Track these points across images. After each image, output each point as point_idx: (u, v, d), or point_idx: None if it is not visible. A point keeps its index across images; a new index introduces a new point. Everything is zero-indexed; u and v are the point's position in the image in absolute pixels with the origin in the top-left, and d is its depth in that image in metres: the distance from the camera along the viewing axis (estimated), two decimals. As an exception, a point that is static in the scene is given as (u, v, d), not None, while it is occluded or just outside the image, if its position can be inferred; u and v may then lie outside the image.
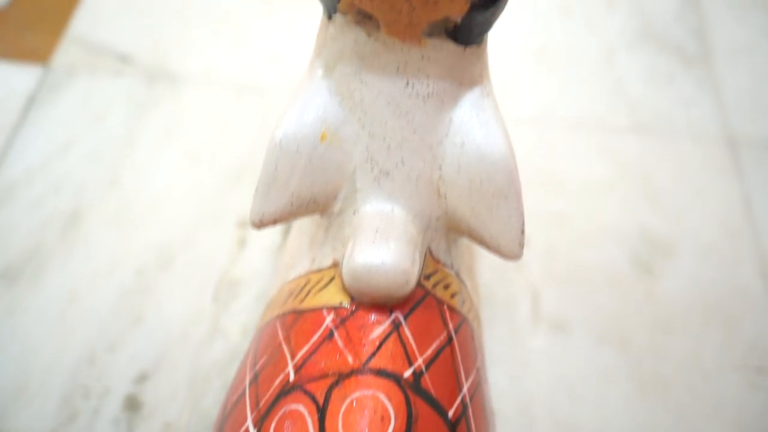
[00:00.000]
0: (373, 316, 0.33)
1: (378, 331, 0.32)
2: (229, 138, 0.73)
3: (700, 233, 0.71)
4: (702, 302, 0.66)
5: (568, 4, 0.89)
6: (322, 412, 0.30)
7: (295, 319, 0.35)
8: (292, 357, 0.33)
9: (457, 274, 0.39)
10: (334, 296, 0.35)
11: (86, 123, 0.73)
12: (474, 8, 0.31)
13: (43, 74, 0.77)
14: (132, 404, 0.57)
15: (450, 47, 0.33)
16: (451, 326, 0.35)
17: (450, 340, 0.34)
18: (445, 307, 0.36)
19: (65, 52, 0.79)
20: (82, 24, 0.81)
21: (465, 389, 0.34)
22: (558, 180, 0.74)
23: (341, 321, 0.33)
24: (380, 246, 0.33)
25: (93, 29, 0.81)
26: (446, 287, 0.37)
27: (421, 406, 0.31)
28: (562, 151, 0.76)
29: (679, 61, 0.84)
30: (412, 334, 0.33)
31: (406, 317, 0.33)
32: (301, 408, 0.30)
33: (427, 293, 0.36)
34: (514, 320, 0.63)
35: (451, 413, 0.32)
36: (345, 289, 0.35)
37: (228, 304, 0.62)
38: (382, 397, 0.30)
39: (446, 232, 0.37)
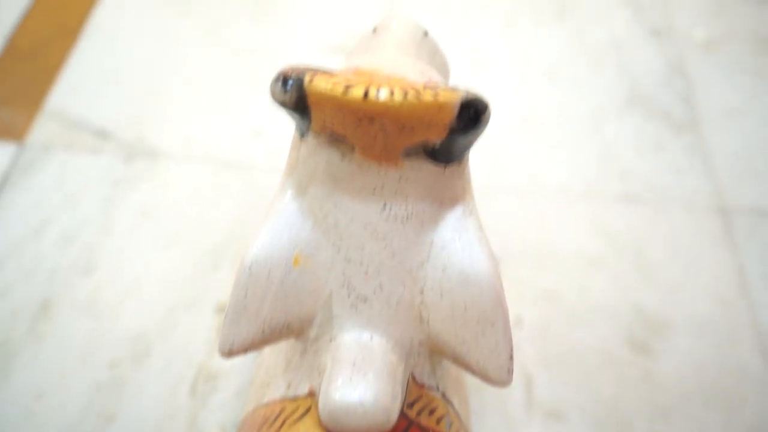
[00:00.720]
0: (353, 455, 0.30)
1: (359, 472, 0.30)
2: (209, 216, 0.71)
3: (696, 308, 0.68)
4: (701, 383, 0.64)
5: (554, 67, 0.89)
6: None
7: (268, 456, 0.32)
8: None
9: (443, 395, 0.36)
10: (309, 430, 0.32)
11: (60, 204, 0.71)
12: (454, 132, 0.29)
13: (17, 152, 0.75)
14: None
15: (429, 167, 0.31)
16: (438, 457, 0.32)
17: (437, 472, 0.32)
18: (431, 436, 0.33)
19: (41, 129, 0.77)
20: (59, 99, 0.80)
21: None
22: (548, 253, 0.72)
23: (318, 460, 0.30)
24: (358, 382, 0.30)
25: (71, 104, 0.79)
26: (431, 412, 0.34)
27: None
28: (552, 222, 0.74)
29: (667, 127, 0.83)
30: (397, 472, 0.30)
31: (389, 452, 0.30)
32: None
33: (410, 423, 0.33)
34: (507, 409, 0.61)
35: None
36: (321, 424, 0.32)
37: (206, 399, 0.59)
38: None
39: (430, 355, 0.34)
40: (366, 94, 0.27)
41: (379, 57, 0.35)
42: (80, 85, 0.81)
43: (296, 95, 0.29)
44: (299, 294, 0.33)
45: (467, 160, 0.33)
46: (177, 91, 0.82)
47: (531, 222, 0.74)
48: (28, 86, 0.81)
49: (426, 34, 0.41)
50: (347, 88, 0.27)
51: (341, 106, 0.27)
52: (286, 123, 0.80)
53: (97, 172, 0.74)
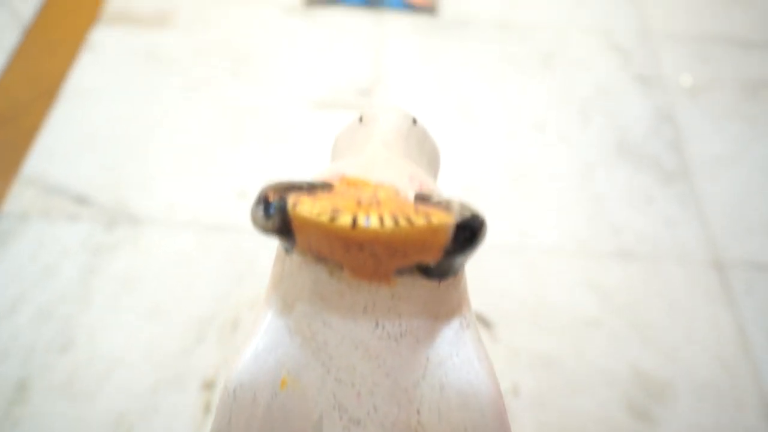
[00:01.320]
0: None
1: None
2: (193, 286, 0.69)
3: (697, 371, 0.67)
4: (706, 451, 0.62)
5: (543, 119, 0.88)
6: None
7: None
8: None
9: None
10: None
11: (37, 276, 0.68)
12: (449, 254, 0.27)
13: (-8, 221, 0.72)
14: None
15: (423, 283, 0.29)
16: None
17: None
18: None
19: (18, 196, 0.74)
20: (36, 164, 0.77)
21: None
22: (543, 314, 0.70)
23: None
24: None
25: (48, 169, 0.77)
26: None
27: None
28: (546, 280, 0.72)
29: (658, 177, 0.82)
30: None
31: None
32: None
33: None
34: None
35: None
36: None
37: (191, 487, 0.56)
38: None
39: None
40: (354, 222, 0.25)
41: (365, 159, 0.33)
42: (58, 149, 0.79)
43: (279, 221, 0.27)
44: (287, 418, 0.30)
45: (463, 270, 0.32)
46: (158, 152, 0.80)
47: (524, 280, 0.72)
48: (4, 151, 0.78)
49: (414, 121, 0.40)
50: (334, 214, 0.25)
51: (328, 233, 0.25)
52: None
53: (75, 240, 0.71)
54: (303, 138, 0.82)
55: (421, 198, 0.29)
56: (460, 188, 0.79)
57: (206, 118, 0.83)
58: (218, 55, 0.91)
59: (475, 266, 0.75)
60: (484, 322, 0.68)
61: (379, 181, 0.30)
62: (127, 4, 0.96)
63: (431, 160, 0.42)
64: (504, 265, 0.73)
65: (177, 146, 0.81)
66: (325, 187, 0.31)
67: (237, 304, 0.67)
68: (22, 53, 0.89)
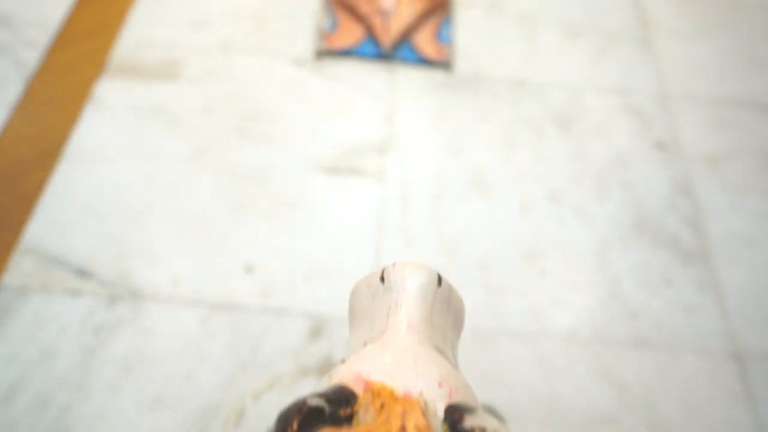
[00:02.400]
0: None
1: None
2: (198, 372, 0.67)
3: (715, 476, 0.65)
4: None
5: (558, 189, 0.85)
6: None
7: None
8: None
9: None
10: None
11: (36, 359, 0.66)
12: None
13: (-10, 296, 0.70)
14: None
15: None
16: None
17: None
18: None
19: (17, 267, 0.72)
20: (36, 232, 0.75)
21: None
22: (557, 410, 0.68)
23: None
24: None
25: (49, 238, 0.75)
26: None
27: None
28: (560, 372, 0.70)
29: (675, 256, 0.80)
30: None
31: None
32: None
33: None
34: None
35: None
36: None
37: None
38: None
39: None
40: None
41: (390, 358, 0.31)
42: (59, 216, 0.77)
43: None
44: None
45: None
46: (162, 220, 0.78)
47: (538, 372, 0.70)
48: (3, 217, 0.76)
49: (439, 281, 0.37)
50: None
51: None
52: (280, 257, 0.76)
53: (76, 318, 0.69)
54: (312, 207, 0.80)
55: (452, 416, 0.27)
56: (473, 265, 0.77)
57: (213, 184, 0.81)
58: (226, 111, 0.88)
59: (489, 356, 0.73)
60: (495, 417, 0.66)
61: (406, 391, 0.28)
62: (134, 54, 0.93)
63: (456, 317, 0.40)
64: (517, 354, 0.71)
65: (182, 214, 0.78)
66: (349, 402, 0.28)
67: (242, 393, 0.65)
68: (24, 107, 0.86)
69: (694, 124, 0.94)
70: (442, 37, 0.99)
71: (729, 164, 0.90)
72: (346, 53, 0.96)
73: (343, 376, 0.31)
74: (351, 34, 0.97)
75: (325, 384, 0.31)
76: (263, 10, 1.02)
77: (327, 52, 0.95)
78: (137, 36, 0.96)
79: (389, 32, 0.96)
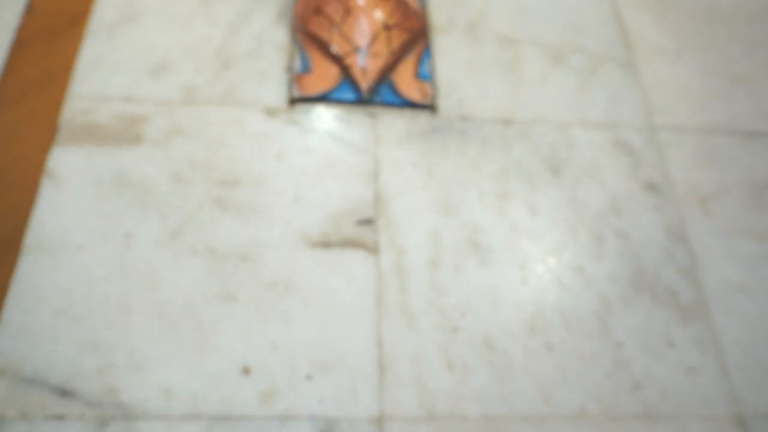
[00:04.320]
0: None
1: None
2: (204, 499, 0.63)
3: None
4: None
5: (556, 245, 0.82)
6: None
7: None
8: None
9: None
10: None
11: (27, 506, 0.61)
12: None
13: (-36, 431, 0.64)
14: None
15: None
16: None
17: None
18: None
19: (-11, 392, 0.66)
20: (5, 349, 0.68)
21: None
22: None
23: None
24: None
25: (20, 355, 0.68)
26: None
27: None
28: (572, 453, 0.70)
29: (675, 315, 0.79)
30: None
31: None
32: None
33: None
34: None
35: None
36: None
37: None
38: None
39: None
40: None
41: None
42: (28, 324, 0.70)
43: None
44: None
45: None
46: (145, 320, 0.71)
47: (550, 454, 0.69)
48: (-33, 333, 0.68)
49: None
50: None
51: None
52: (277, 352, 0.72)
53: (63, 447, 0.64)
54: (305, 288, 0.75)
55: None
56: (477, 343, 0.75)
57: (194, 269, 0.75)
58: (199, 178, 0.81)
59: (502, 448, 0.72)
60: None
61: None
62: (88, 112, 0.84)
63: None
64: (529, 438, 0.70)
65: (164, 309, 0.72)
66: None
67: None
68: (-31, 188, 0.77)
69: (682, 159, 0.92)
70: (422, 74, 0.92)
71: (719, 202, 0.89)
72: (321, 98, 0.89)
73: None
74: (326, 76, 0.89)
75: None
76: (226, 47, 0.92)
77: (301, 99, 0.88)
78: (89, 88, 0.86)
79: (367, 73, 0.89)
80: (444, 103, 0.92)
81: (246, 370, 0.70)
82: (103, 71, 0.88)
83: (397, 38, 0.92)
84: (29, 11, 0.92)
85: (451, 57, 0.97)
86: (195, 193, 0.80)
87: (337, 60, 0.90)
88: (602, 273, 0.82)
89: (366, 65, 0.89)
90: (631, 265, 0.83)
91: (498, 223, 0.83)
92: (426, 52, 0.95)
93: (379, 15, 0.91)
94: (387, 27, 0.91)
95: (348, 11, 0.91)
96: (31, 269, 0.73)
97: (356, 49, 0.90)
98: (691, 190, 0.90)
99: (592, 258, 0.82)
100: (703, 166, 0.92)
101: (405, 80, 0.91)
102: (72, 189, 0.78)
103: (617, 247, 0.84)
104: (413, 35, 0.94)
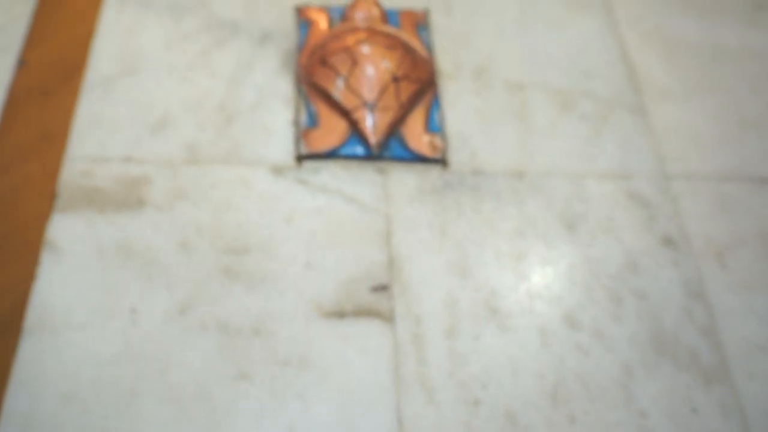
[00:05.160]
0: None
1: None
2: None
3: None
4: None
5: (573, 309, 0.80)
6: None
7: None
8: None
9: None
10: None
11: None
12: None
13: None
14: None
15: None
16: None
17: None
18: None
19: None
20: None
21: None
22: None
23: None
24: None
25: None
26: None
27: None
28: None
29: (697, 379, 0.78)
30: None
31: None
32: None
33: None
34: None
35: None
36: None
37: None
38: None
39: None
40: None
41: None
42: (34, 413, 0.66)
43: None
44: None
45: None
46: (156, 407, 0.68)
47: None
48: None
49: None
50: None
51: None
52: None
53: None
54: (321, 364, 0.73)
55: None
56: (500, 417, 0.72)
57: (205, 347, 0.72)
58: (207, 244, 0.78)
59: None
60: None
61: None
62: (87, 175, 0.80)
63: None
64: None
65: (175, 393, 0.69)
66: None
67: None
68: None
69: (696, 210, 0.91)
70: (432, 126, 0.90)
71: (735, 255, 0.88)
72: (330, 155, 0.86)
73: None
74: (334, 130, 0.87)
75: None
76: (229, 100, 0.89)
77: (309, 156, 0.85)
78: (87, 149, 0.82)
79: (376, 127, 0.86)
80: (455, 156, 0.90)
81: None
82: (102, 130, 0.84)
83: (406, 90, 0.89)
84: (21, 65, 0.88)
85: (459, 105, 0.94)
86: (203, 262, 0.77)
87: (345, 114, 0.87)
88: (622, 336, 0.80)
89: (375, 119, 0.86)
90: (650, 327, 0.81)
91: (515, 285, 0.81)
92: (434, 102, 0.92)
93: (387, 66, 0.88)
94: (396, 79, 0.88)
95: (355, 63, 0.88)
96: (33, 352, 0.69)
97: (364, 103, 0.87)
98: (707, 242, 0.88)
99: (611, 320, 0.81)
100: (718, 217, 0.91)
101: (415, 133, 0.88)
102: (74, 261, 0.75)
103: (636, 308, 0.82)
104: (422, 85, 0.91)
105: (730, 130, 1.00)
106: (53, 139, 0.82)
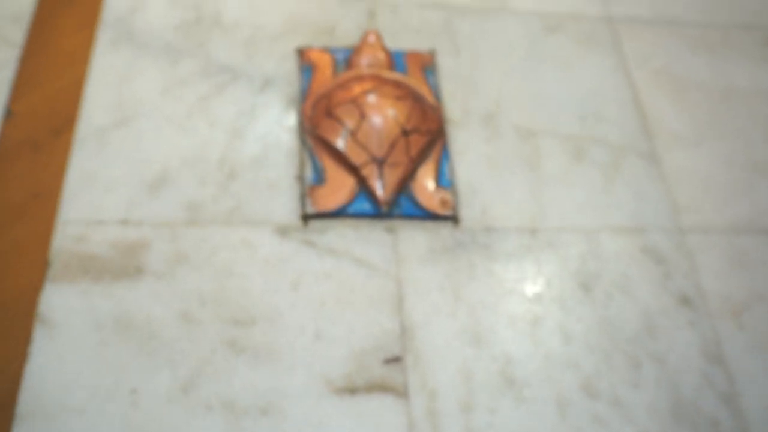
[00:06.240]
0: None
1: None
2: None
3: None
4: None
5: (592, 376, 0.78)
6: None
7: None
8: None
9: None
10: None
11: None
12: None
13: None
14: None
15: None
16: None
17: None
18: None
19: None
20: None
21: None
22: None
23: None
24: None
25: None
26: None
27: None
28: None
29: (718, 450, 0.76)
30: None
31: None
32: None
33: None
34: None
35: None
36: None
37: None
38: None
39: None
40: None
41: None
42: None
43: None
44: None
45: None
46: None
47: None
48: None
49: None
50: None
51: None
52: None
53: None
54: (332, 445, 0.69)
55: None
56: (518, 499, 0.70)
57: (212, 429, 0.68)
58: (210, 315, 0.74)
59: None
60: None
61: None
62: (81, 241, 0.76)
63: None
64: None
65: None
66: None
67: None
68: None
69: (712, 265, 0.88)
70: (442, 179, 0.86)
71: (752, 313, 0.86)
72: (337, 213, 0.82)
73: None
74: (341, 187, 0.83)
75: None
76: (230, 153, 0.85)
77: (315, 215, 0.81)
78: (81, 211, 0.78)
79: (385, 184, 0.83)
80: (466, 211, 0.86)
81: None
82: (96, 189, 0.80)
83: (416, 144, 0.85)
84: (8, 116, 0.83)
85: (469, 155, 0.91)
86: (206, 336, 0.73)
87: (353, 169, 0.83)
88: (641, 404, 0.77)
89: (384, 176, 0.83)
90: (669, 394, 0.78)
91: (532, 353, 0.78)
92: (444, 153, 0.89)
93: (396, 119, 0.84)
94: (405, 132, 0.84)
95: (363, 115, 0.84)
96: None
97: (373, 159, 0.83)
98: (724, 301, 0.86)
99: (630, 387, 0.78)
100: (734, 273, 0.89)
101: (425, 189, 0.85)
102: (69, 337, 0.71)
103: (654, 373, 0.79)
104: (432, 137, 0.87)
105: (742, 177, 0.97)
106: (44, 199, 0.77)
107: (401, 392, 0.73)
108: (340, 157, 0.84)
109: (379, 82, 0.88)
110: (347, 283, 0.79)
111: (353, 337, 0.76)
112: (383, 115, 0.84)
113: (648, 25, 1.12)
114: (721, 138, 1.00)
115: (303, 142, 0.86)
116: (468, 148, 0.92)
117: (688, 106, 1.03)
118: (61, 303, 0.72)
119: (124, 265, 0.75)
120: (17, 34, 0.90)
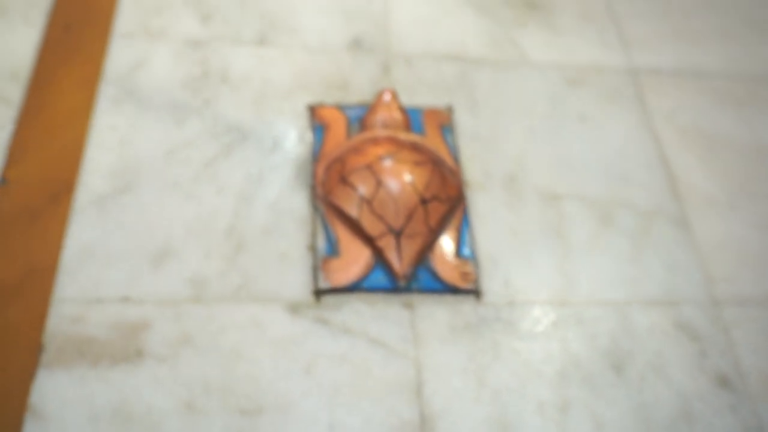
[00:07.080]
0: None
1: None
2: None
3: None
4: None
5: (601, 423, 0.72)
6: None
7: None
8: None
9: None
10: None
11: None
12: None
13: None
14: None
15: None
16: None
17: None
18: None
19: None
20: None
21: None
22: None
23: None
24: None
25: None
26: None
27: None
28: None
29: None
30: None
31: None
32: None
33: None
34: None
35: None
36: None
37: None
38: None
39: None
40: None
41: None
42: None
43: None
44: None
45: None
46: None
47: None
48: None
49: None
50: None
51: None
52: None
53: None
54: None
55: None
56: None
57: None
58: (216, 405, 0.68)
59: None
60: None
61: None
62: (78, 321, 0.70)
63: None
64: None
65: None
66: None
67: None
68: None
69: (750, 341, 0.83)
70: (463, 250, 0.81)
71: (794, 395, 0.80)
72: (352, 288, 0.77)
73: None
74: (356, 260, 0.77)
75: None
76: (238, 222, 0.80)
77: (329, 291, 0.76)
78: (78, 288, 0.72)
79: (403, 255, 0.78)
80: (488, 283, 0.81)
81: None
82: (95, 263, 0.74)
83: (435, 213, 0.80)
84: (3, 184, 0.78)
85: (490, 221, 0.86)
86: (211, 428, 0.67)
87: (369, 240, 0.78)
88: (680, 500, 0.72)
89: (402, 247, 0.78)
90: (710, 488, 0.73)
91: (561, 443, 0.73)
92: (464, 220, 0.84)
93: (414, 186, 0.79)
94: (424, 201, 0.79)
95: (379, 183, 0.79)
96: None
97: (390, 229, 0.78)
98: (766, 380, 0.80)
99: (667, 481, 0.72)
100: (772, 349, 0.83)
101: (444, 261, 0.80)
102: (60, 426, 0.65)
103: (693, 466, 0.74)
104: (452, 204, 0.82)
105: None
106: (39, 275, 0.72)
107: (422, 491, 0.68)
108: (355, 227, 0.79)
109: (396, 145, 0.83)
110: (363, 366, 0.73)
111: (369, 429, 0.70)
112: (400, 181, 0.79)
113: (672, 76, 1.07)
114: (754, 200, 0.95)
115: (315, 208, 0.81)
116: (489, 214, 0.87)
117: (717, 165, 0.98)
118: (54, 392, 0.67)
119: (123, 348, 0.70)
120: (15, 93, 0.85)
